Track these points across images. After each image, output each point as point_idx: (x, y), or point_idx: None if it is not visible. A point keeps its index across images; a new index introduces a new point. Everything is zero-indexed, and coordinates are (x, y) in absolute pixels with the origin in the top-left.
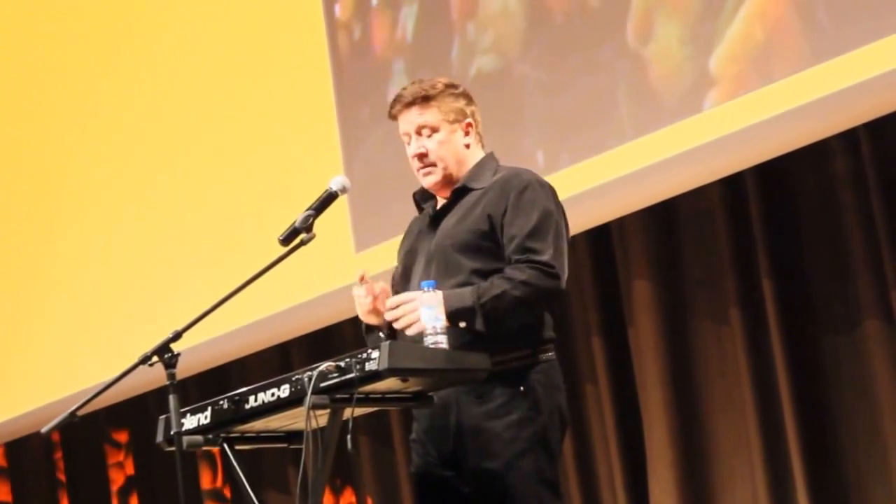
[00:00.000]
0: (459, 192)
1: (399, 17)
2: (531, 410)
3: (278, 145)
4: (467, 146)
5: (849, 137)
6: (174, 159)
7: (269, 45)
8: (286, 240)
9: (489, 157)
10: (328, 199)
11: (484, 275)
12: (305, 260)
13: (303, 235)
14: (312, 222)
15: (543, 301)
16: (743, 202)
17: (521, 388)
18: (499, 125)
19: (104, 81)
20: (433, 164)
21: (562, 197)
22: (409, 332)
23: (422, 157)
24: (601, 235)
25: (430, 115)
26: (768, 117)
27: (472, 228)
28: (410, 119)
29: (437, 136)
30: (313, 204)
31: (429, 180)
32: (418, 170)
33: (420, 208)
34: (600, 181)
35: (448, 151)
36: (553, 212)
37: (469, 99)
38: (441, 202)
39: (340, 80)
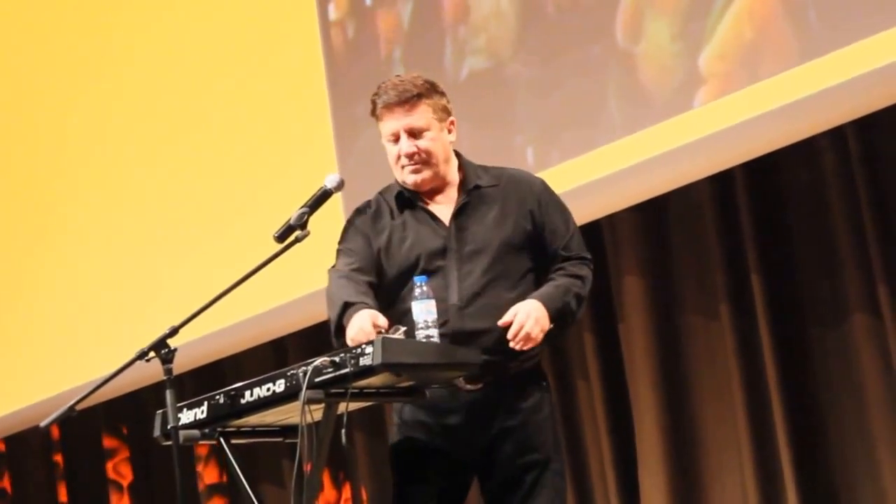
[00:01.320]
0: (470, 190)
1: (393, 16)
2: (550, 405)
3: (273, 143)
4: (450, 143)
5: (836, 135)
6: (170, 156)
7: (264, 42)
8: (281, 237)
9: (463, 156)
10: (323, 196)
11: (532, 271)
12: (300, 256)
13: (297, 232)
14: (307, 219)
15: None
16: (732, 199)
17: (545, 384)
18: (490, 123)
19: (99, 79)
20: (424, 163)
21: None
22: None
23: (412, 155)
24: (592, 232)
25: (420, 114)
26: (757, 115)
27: (519, 226)
28: (399, 118)
29: (428, 135)
30: (308, 201)
31: (415, 178)
32: (403, 167)
33: (405, 204)
34: (590, 178)
35: (438, 150)
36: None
37: (446, 96)
38: (440, 199)
39: (334, 78)
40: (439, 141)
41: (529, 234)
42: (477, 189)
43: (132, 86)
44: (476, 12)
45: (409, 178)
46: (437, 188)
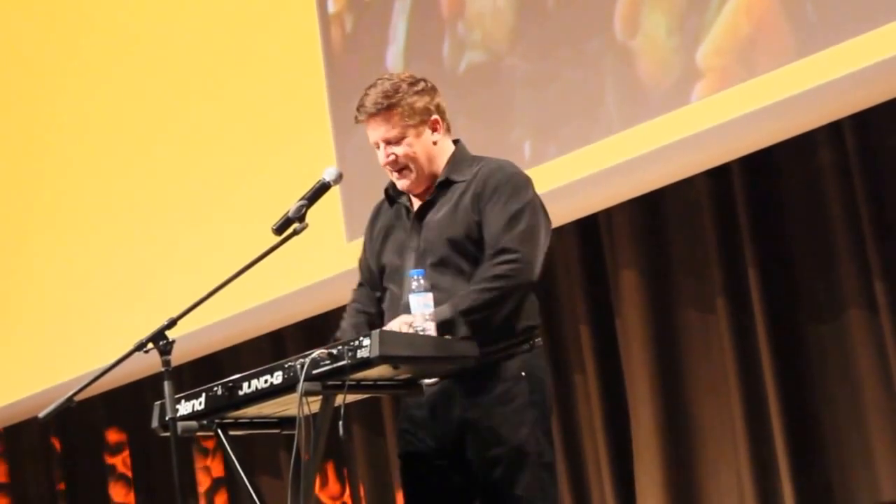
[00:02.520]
0: (442, 185)
1: (392, 9)
2: (533, 394)
3: (272, 136)
4: (436, 143)
5: (834, 129)
6: (168, 148)
7: (262, 35)
8: (279, 229)
9: (461, 148)
10: (321, 189)
11: (477, 266)
12: (298, 249)
13: (296, 225)
14: (305, 212)
15: (516, 293)
16: (729, 193)
17: (523, 374)
18: (487, 117)
19: (93, 71)
20: (405, 168)
21: (549, 188)
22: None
23: (393, 163)
24: (589, 226)
25: (394, 123)
26: (754, 110)
27: (464, 222)
28: (376, 129)
29: (405, 142)
30: (306, 194)
31: (403, 183)
32: (391, 172)
33: (392, 202)
34: (588, 173)
35: (418, 153)
36: (527, 205)
37: (432, 92)
38: (424, 195)
39: (333, 71)
40: (419, 145)
41: (479, 227)
42: (447, 183)
43: (127, 77)
44: (474, 6)
45: (398, 182)
46: (428, 185)
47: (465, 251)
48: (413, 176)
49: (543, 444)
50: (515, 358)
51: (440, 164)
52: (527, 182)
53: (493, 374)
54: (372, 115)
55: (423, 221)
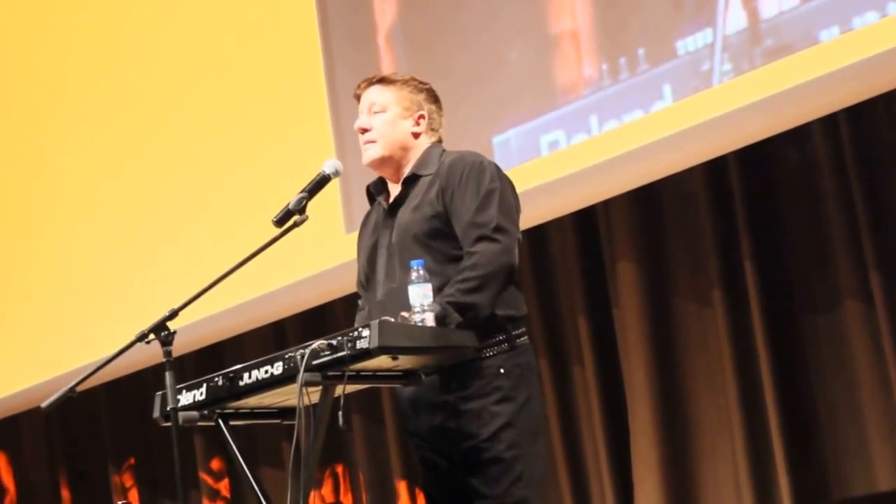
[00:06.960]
0: (409, 181)
1: (392, 2)
2: (511, 390)
3: (272, 129)
4: (415, 135)
5: (829, 122)
6: (165, 138)
7: (261, 27)
8: (280, 221)
9: (435, 145)
10: (321, 181)
11: (446, 259)
12: (298, 241)
13: (296, 217)
14: (305, 204)
15: (499, 277)
16: (725, 185)
17: (502, 371)
18: (483, 108)
19: (88, 63)
20: (373, 141)
21: (548, 180)
22: None
23: (364, 131)
24: (587, 218)
25: (383, 95)
26: (750, 102)
27: (428, 216)
28: (366, 95)
29: (383, 116)
30: (307, 186)
31: (366, 156)
32: (362, 144)
33: (372, 200)
34: (585, 165)
35: (390, 132)
36: (494, 191)
37: (431, 98)
38: (394, 193)
39: (332, 65)
40: (394, 124)
41: (442, 219)
42: (414, 179)
43: (127, 69)
44: None
45: (363, 155)
46: (396, 179)
47: (430, 247)
48: (377, 151)
49: (522, 436)
50: (493, 356)
51: (412, 157)
52: (491, 168)
53: (469, 371)
54: (369, 83)
55: (394, 219)
